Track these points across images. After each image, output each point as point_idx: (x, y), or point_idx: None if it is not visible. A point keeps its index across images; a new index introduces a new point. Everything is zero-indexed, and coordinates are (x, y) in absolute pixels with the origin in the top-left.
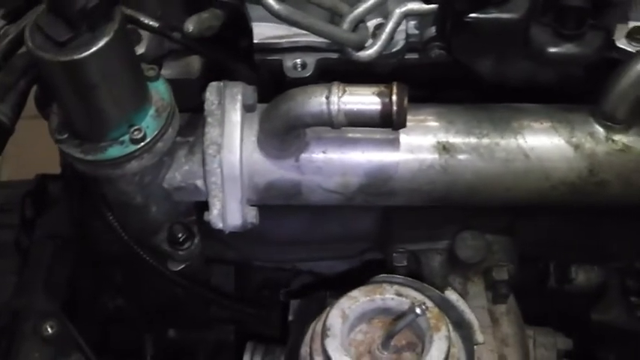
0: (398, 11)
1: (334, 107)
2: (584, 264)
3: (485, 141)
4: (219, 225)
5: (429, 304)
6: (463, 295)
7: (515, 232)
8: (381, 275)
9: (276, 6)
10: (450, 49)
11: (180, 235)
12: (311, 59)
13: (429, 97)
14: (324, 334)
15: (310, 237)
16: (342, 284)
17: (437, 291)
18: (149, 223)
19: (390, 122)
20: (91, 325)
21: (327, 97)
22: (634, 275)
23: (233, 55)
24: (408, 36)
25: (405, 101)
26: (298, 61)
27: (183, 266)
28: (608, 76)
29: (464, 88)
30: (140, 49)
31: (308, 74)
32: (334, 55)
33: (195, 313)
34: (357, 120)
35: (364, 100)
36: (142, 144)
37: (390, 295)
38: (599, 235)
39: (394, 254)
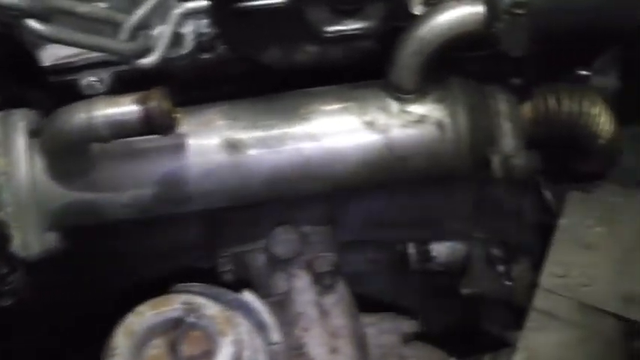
0: (174, 13)
1: (97, 121)
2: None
3: (274, 132)
4: (22, 254)
5: (214, 309)
6: (290, 290)
7: (335, 220)
8: (178, 285)
9: (38, 27)
10: (230, 43)
11: (2, 271)
12: (106, 74)
13: (230, 94)
14: (108, 355)
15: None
16: None
17: (234, 294)
18: None
19: (154, 129)
20: None
21: (89, 112)
22: (498, 244)
23: (26, 81)
24: (198, 35)
25: (165, 105)
26: (92, 78)
27: (11, 302)
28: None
29: (259, 81)
30: None
31: (104, 89)
32: (126, 66)
33: None
34: (122, 131)
35: (124, 110)
36: None
37: (176, 306)
38: (424, 207)
39: (219, 259)
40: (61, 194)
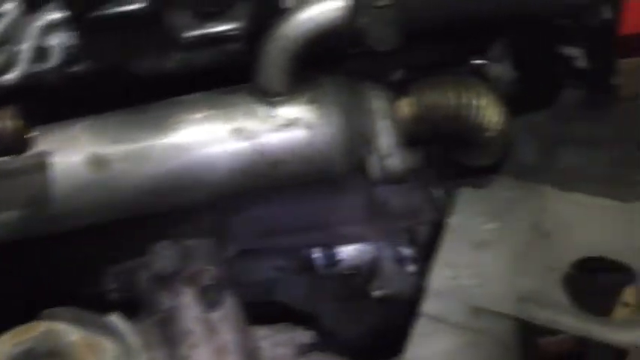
0: (35, 26)
1: None
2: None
3: (139, 146)
4: None
5: (76, 336)
6: (175, 307)
7: (223, 232)
8: (45, 311)
9: None
10: (94, 54)
11: None
12: None
13: (102, 107)
14: None
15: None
16: None
17: (101, 319)
18: None
19: (7, 149)
20: None
21: None
22: (407, 244)
23: None
24: (65, 48)
25: (14, 124)
26: None
27: None
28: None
29: (131, 92)
30: None
31: None
32: None
33: None
34: None
35: None
36: None
37: (36, 334)
38: (315, 212)
39: (102, 277)
40: None
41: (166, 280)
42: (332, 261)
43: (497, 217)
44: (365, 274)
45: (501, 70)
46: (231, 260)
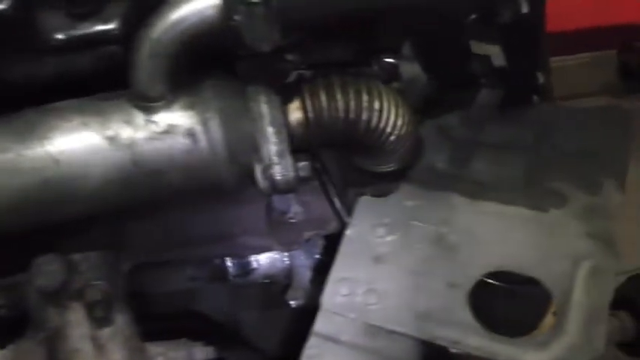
0: None
1: None
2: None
3: (8, 156)
4: None
5: None
6: (64, 325)
7: (116, 244)
8: None
9: None
10: None
11: None
12: None
13: None
14: None
15: None
16: None
17: None
18: None
19: None
20: None
21: None
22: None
23: None
24: None
25: None
26: None
27: None
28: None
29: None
30: None
31: None
32: None
33: None
34: None
35: None
36: None
37: None
38: (215, 223)
39: None
40: None
41: (52, 297)
42: (245, 270)
43: (397, 229)
44: (280, 282)
45: (413, 69)
46: (135, 272)
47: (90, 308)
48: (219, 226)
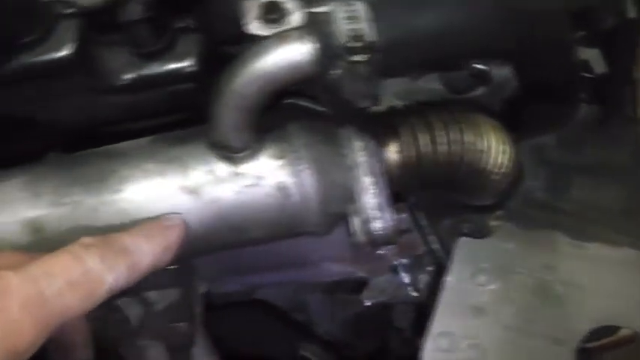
0: None
1: None
2: None
3: (80, 210)
4: None
5: None
6: None
7: (188, 277)
8: None
9: None
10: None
11: None
12: None
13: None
14: None
15: None
16: None
17: None
18: None
19: None
20: None
21: None
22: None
23: None
24: None
25: None
26: None
27: None
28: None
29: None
30: None
31: None
32: None
33: None
34: None
35: None
36: None
37: None
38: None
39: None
40: None
41: (130, 338)
42: None
43: (498, 276)
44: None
45: (503, 72)
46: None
47: (169, 349)
48: (299, 252)
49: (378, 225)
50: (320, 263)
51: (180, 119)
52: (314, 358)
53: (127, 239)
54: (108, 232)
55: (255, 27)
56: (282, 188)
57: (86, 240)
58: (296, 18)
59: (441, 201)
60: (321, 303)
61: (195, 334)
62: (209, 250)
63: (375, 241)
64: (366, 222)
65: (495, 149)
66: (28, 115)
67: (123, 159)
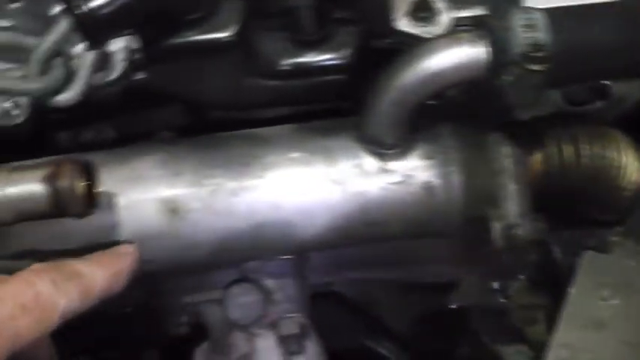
0: None
1: None
2: None
3: (220, 193)
4: None
5: None
6: (251, 353)
7: (304, 270)
8: None
9: None
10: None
11: None
12: (24, 99)
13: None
14: None
15: None
16: None
17: None
18: None
19: (63, 213)
20: None
21: None
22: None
23: None
24: (130, 53)
25: (79, 184)
26: (7, 104)
27: None
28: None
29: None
30: None
31: (23, 118)
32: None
33: None
34: (27, 215)
35: (28, 189)
36: None
37: None
38: (407, 250)
39: (169, 309)
40: None
41: (244, 326)
42: None
43: (620, 293)
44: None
45: (622, 88)
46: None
47: (283, 340)
48: (410, 251)
49: (519, 232)
50: (428, 264)
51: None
52: (381, 349)
53: (79, 265)
54: (246, 218)
55: (404, 23)
56: (428, 188)
57: (37, 266)
58: (445, 19)
59: (564, 213)
60: (393, 300)
61: (309, 326)
62: (344, 243)
63: (514, 247)
64: (507, 228)
65: (632, 166)
66: (179, 92)
67: (266, 145)
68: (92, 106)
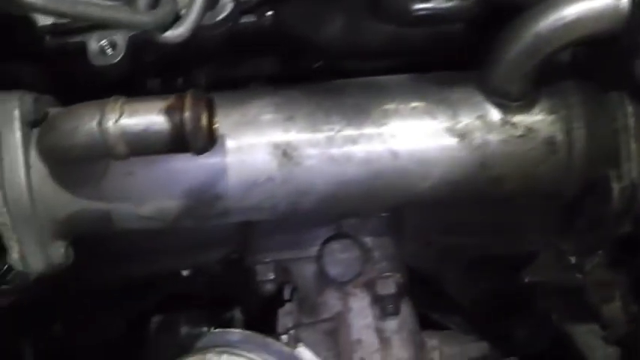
0: None
1: (110, 135)
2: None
3: (338, 139)
4: (22, 269)
5: None
6: (345, 312)
7: (402, 229)
8: (216, 331)
9: None
10: (281, 18)
11: None
12: (121, 37)
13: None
14: None
15: (155, 246)
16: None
17: (285, 348)
18: None
19: (185, 147)
20: None
21: (100, 123)
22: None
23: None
24: None
25: (204, 118)
26: (105, 41)
27: (11, 301)
28: (497, 37)
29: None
30: None
31: (118, 58)
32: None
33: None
34: (143, 148)
35: (149, 122)
36: None
37: None
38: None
39: (257, 266)
40: (68, 203)
41: (340, 284)
42: None
43: None
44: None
45: None
46: None
47: (379, 300)
48: (504, 220)
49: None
50: (524, 233)
51: None
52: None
53: None
54: (363, 166)
55: None
56: (551, 144)
57: None
58: None
59: None
60: (460, 273)
61: (405, 287)
62: (459, 199)
63: (631, 207)
64: (626, 189)
65: None
66: (296, 33)
67: (387, 93)
68: (193, 48)
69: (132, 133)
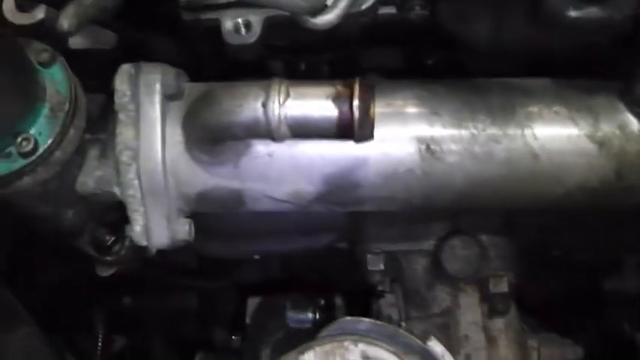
0: None
1: (274, 117)
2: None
3: (482, 137)
4: (144, 243)
5: None
6: (454, 307)
7: (515, 230)
8: (346, 319)
9: None
10: (435, 11)
11: (106, 240)
12: (257, 17)
13: (407, 66)
14: None
15: (265, 228)
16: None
17: (416, 340)
18: (65, 227)
19: (350, 135)
20: (34, 297)
21: (265, 104)
22: None
23: (151, 26)
24: None
25: (372, 107)
26: (240, 20)
27: (113, 271)
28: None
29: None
30: (39, 14)
31: (253, 39)
32: (286, 12)
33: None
34: (306, 132)
35: (315, 106)
36: (34, 157)
37: (353, 357)
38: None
39: (368, 255)
40: (201, 180)
41: (452, 279)
42: None
43: None
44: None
45: None
46: None
47: (489, 298)
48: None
49: None
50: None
51: None
52: None
53: None
54: (504, 165)
55: None
56: None
57: None
58: None
59: None
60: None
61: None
62: (590, 207)
63: None
64: None
65: None
66: (455, 30)
67: (530, 95)
68: (329, 35)
69: (297, 117)
